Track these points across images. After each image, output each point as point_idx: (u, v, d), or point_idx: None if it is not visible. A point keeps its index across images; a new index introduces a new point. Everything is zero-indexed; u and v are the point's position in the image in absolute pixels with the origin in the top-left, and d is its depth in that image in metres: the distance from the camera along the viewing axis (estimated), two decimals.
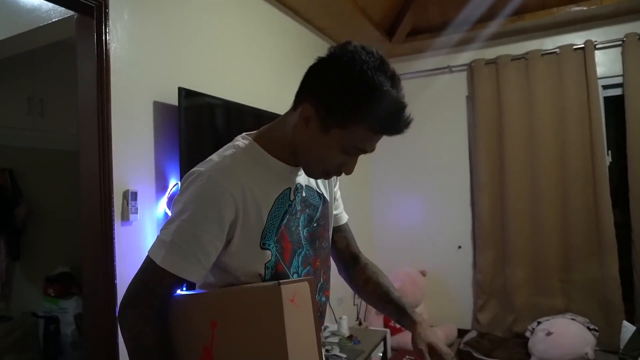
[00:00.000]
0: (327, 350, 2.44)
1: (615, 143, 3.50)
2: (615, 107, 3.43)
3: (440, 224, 3.87)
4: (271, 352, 0.79)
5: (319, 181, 1.04)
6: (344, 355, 2.39)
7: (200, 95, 2.03)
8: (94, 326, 1.70)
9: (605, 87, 3.41)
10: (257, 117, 2.41)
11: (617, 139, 3.50)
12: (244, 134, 0.97)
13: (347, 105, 0.83)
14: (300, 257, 0.95)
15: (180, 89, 1.88)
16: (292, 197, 0.93)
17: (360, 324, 3.51)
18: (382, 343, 2.82)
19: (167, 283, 0.83)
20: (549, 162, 3.43)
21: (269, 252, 0.88)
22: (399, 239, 4.01)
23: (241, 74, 2.44)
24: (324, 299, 1.04)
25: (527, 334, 3.24)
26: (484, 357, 3.16)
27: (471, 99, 3.72)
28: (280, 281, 0.81)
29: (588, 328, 3.08)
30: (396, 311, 1.10)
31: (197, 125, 2.02)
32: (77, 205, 1.70)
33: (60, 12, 1.82)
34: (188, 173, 0.88)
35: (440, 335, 3.40)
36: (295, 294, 0.82)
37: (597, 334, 3.10)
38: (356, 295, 3.64)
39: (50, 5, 1.81)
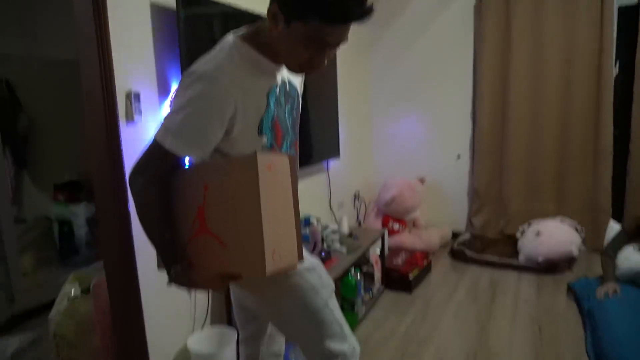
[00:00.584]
0: (327, 245, 2.60)
1: (626, 56, 3.39)
2: (627, 18, 3.28)
3: (441, 133, 3.91)
4: (247, 210, 0.90)
5: (292, 75, 1.14)
6: (344, 249, 2.55)
7: (205, 3, 1.95)
8: (107, 225, 1.72)
9: None
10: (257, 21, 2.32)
11: (627, 52, 3.39)
12: (233, 34, 1.02)
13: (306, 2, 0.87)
14: (287, 141, 1.12)
15: None
16: (278, 92, 1.07)
17: (359, 225, 3.70)
18: (379, 240, 2.99)
19: (171, 160, 0.96)
20: (554, 70, 3.39)
21: (265, 137, 1.04)
22: (399, 149, 4.07)
23: None
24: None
25: (518, 234, 3.42)
26: (474, 255, 3.37)
27: (478, 8, 3.56)
28: (258, 152, 0.91)
29: (576, 229, 3.25)
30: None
31: (196, 29, 1.96)
32: (79, 115, 1.67)
33: None
34: (190, 71, 0.95)
35: (434, 234, 3.61)
36: (273, 163, 0.92)
37: (583, 235, 3.28)
38: (356, 200, 3.78)
39: None
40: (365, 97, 4.02)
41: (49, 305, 2.11)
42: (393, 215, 3.67)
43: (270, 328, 1.36)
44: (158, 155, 0.96)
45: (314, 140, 2.94)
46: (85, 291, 2.03)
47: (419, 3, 3.81)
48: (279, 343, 1.43)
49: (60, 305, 2.05)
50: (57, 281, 2.17)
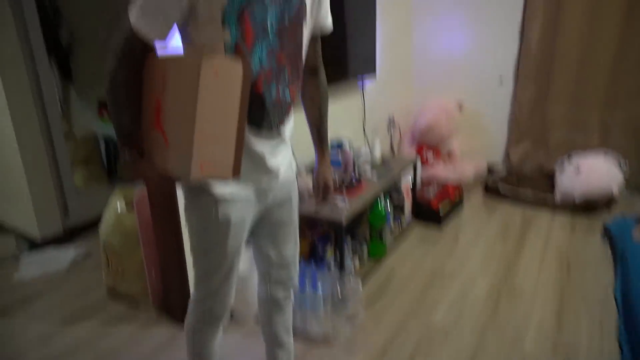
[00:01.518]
0: (358, 171, 2.60)
1: None
2: None
3: (484, 53, 3.64)
4: (186, 111, 0.87)
5: None
6: (375, 175, 2.55)
7: None
8: None
9: None
10: None
11: None
12: None
13: None
14: (263, 46, 0.99)
15: None
16: None
17: (393, 153, 3.66)
18: (412, 170, 2.95)
19: (139, 38, 0.94)
20: None
21: (227, 32, 0.94)
22: (438, 68, 3.85)
23: None
24: (287, 97, 1.09)
25: (556, 167, 3.30)
26: (509, 190, 3.30)
27: None
28: (207, 54, 0.85)
29: (619, 165, 3.08)
30: (318, 139, 1.36)
31: None
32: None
33: None
34: None
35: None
36: (222, 67, 0.86)
37: (627, 170, 3.11)
38: (391, 125, 3.67)
39: None
40: (407, 14, 3.76)
41: (100, 220, 2.26)
42: (427, 143, 3.59)
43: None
44: (129, 35, 0.94)
45: (350, 54, 2.78)
46: (130, 206, 2.16)
47: None
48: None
49: (108, 219, 2.19)
50: (106, 197, 2.28)
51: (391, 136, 3.46)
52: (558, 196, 3.15)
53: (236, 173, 0.93)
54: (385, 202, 2.61)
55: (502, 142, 3.76)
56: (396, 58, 3.65)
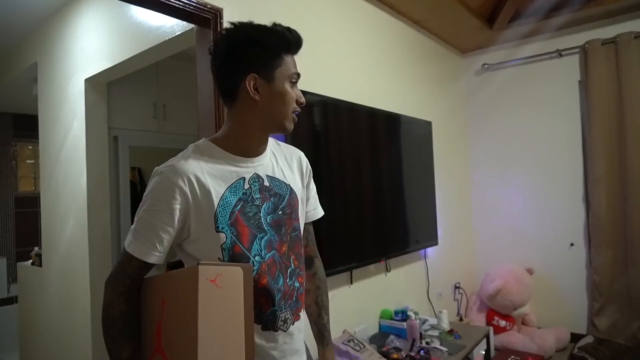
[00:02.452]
0: (427, 343, 2.43)
1: None
2: None
3: (549, 220, 3.62)
4: (187, 327, 0.82)
5: (286, 173, 1.12)
6: (444, 349, 2.37)
7: (307, 94, 2.14)
8: None
9: None
10: (353, 111, 2.48)
11: None
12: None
13: (267, 50, 1.01)
14: (262, 241, 1.01)
15: None
16: (246, 186, 1.02)
17: (460, 319, 3.44)
18: (484, 340, 2.73)
19: (135, 265, 0.96)
20: None
21: (223, 234, 0.96)
22: (502, 236, 3.82)
23: (340, 71, 2.52)
24: (297, 284, 1.08)
25: None
26: None
27: (584, 84, 3.41)
28: (202, 262, 0.85)
29: None
30: (317, 333, 1.23)
31: (303, 123, 2.14)
32: None
33: (182, 26, 2.04)
34: (153, 171, 1.01)
35: (549, 335, 3.19)
36: (219, 276, 0.84)
37: None
38: (457, 291, 3.57)
39: (174, 20, 2.04)
40: (465, 180, 3.93)
41: None
42: (498, 310, 3.36)
43: None
44: (124, 261, 0.97)
45: (411, 227, 2.90)
46: None
47: (518, 82, 3.76)
48: None
49: None
50: None
51: (458, 302, 3.30)
52: None
53: None
54: None
55: (584, 309, 3.44)
56: (458, 226, 3.70)
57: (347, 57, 2.59)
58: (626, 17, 3.27)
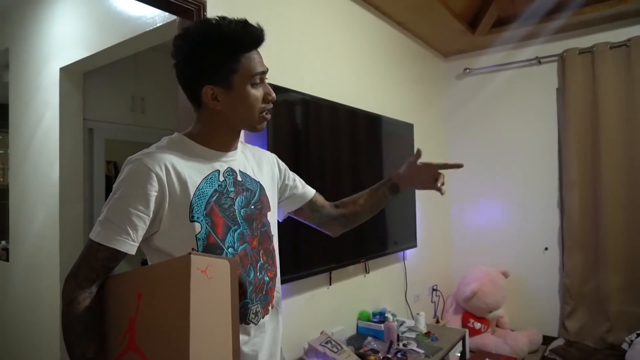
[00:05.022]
0: (404, 345, 2.44)
1: None
2: None
3: (525, 224, 3.68)
4: (176, 321, 0.79)
5: (256, 171, 1.14)
6: (421, 351, 2.37)
7: (288, 92, 2.13)
8: None
9: None
10: (334, 110, 2.46)
11: None
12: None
13: (218, 58, 0.98)
14: (236, 233, 1.02)
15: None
16: (221, 179, 1.03)
17: (437, 321, 3.46)
18: (460, 342, 2.75)
19: (102, 256, 0.91)
20: None
21: (198, 224, 0.95)
22: (479, 239, 3.87)
23: (322, 69, 2.50)
24: (267, 278, 1.09)
25: (624, 345, 2.98)
26: None
27: (562, 91, 3.49)
28: (193, 252, 0.83)
29: None
30: (374, 189, 1.33)
31: (285, 120, 2.12)
32: None
33: (163, 17, 1.98)
34: (124, 162, 0.98)
35: (522, 337, 3.25)
36: (209, 267, 0.82)
37: None
38: (434, 293, 3.60)
39: (156, 11, 1.98)
40: (444, 184, 3.95)
41: None
42: (474, 313, 3.41)
43: None
44: (89, 253, 0.92)
45: (390, 229, 2.90)
46: None
47: (497, 88, 3.81)
48: None
49: None
50: None
51: (435, 304, 3.32)
52: None
53: None
54: None
55: (556, 313, 3.52)
56: (436, 229, 3.73)
57: (330, 55, 2.57)
58: (603, 27, 3.35)
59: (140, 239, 0.94)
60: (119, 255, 0.93)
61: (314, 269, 2.26)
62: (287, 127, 2.15)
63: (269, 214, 1.14)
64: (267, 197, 1.14)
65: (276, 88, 1.99)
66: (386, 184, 1.32)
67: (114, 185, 0.95)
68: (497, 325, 3.52)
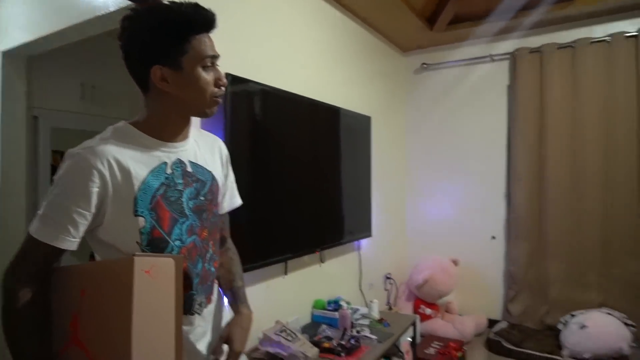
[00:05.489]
0: (357, 332, 2.52)
1: None
2: None
3: (475, 214, 3.86)
4: (119, 319, 0.81)
5: (209, 160, 1.13)
6: (374, 337, 2.47)
7: (248, 82, 2.12)
8: None
9: None
10: (293, 102, 2.48)
11: None
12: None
13: (168, 37, 0.95)
14: (184, 226, 1.01)
15: (227, 75, 1.97)
16: (169, 171, 1.01)
17: (390, 308, 3.59)
18: (411, 328, 2.88)
19: (42, 252, 0.91)
20: (593, 154, 3.34)
21: (142, 218, 0.94)
22: (432, 228, 4.03)
23: (282, 60, 2.50)
24: (213, 269, 1.11)
25: (560, 326, 3.22)
26: (513, 347, 3.17)
27: (512, 88, 3.65)
28: (137, 254, 0.85)
29: (625, 323, 3.03)
30: (233, 297, 1.20)
31: (243, 109, 2.11)
32: None
33: (116, 2, 1.92)
34: (64, 155, 0.95)
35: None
36: (153, 267, 0.84)
37: (634, 329, 3.04)
38: (388, 281, 3.72)
39: None
40: (400, 175, 4.07)
41: None
42: (425, 299, 3.56)
43: None
44: (29, 249, 0.91)
45: (346, 219, 2.96)
46: None
47: (453, 83, 3.94)
48: None
49: None
50: None
51: (388, 292, 3.44)
52: (566, 353, 3.01)
53: None
54: None
55: (501, 298, 3.74)
56: (391, 218, 3.84)
57: (290, 47, 2.58)
58: (551, 29, 3.53)
59: (81, 234, 0.93)
60: (58, 253, 0.92)
61: (270, 259, 2.29)
62: (245, 117, 2.15)
63: (219, 203, 1.15)
64: (218, 187, 1.14)
65: (236, 78, 2.01)
66: (234, 311, 1.20)
67: (54, 180, 0.94)
68: (446, 311, 3.70)
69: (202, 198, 1.07)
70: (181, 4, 0.97)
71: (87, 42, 2.80)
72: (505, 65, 3.72)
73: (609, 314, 3.09)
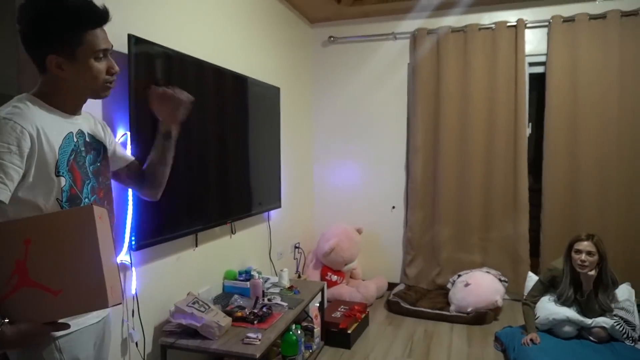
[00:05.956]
0: (269, 300, 2.57)
1: (535, 116, 3.87)
2: (538, 83, 3.76)
3: (377, 185, 4.09)
4: (86, 254, 1.01)
5: (101, 132, 1.30)
6: (285, 304, 2.53)
7: (152, 45, 1.97)
8: None
9: (531, 64, 3.72)
10: (198, 67, 2.38)
11: (537, 113, 3.86)
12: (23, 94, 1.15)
13: (62, 30, 1.07)
14: (89, 186, 1.18)
15: (130, 36, 1.81)
16: (75, 139, 1.16)
17: (299, 277, 3.70)
18: (319, 294, 3.00)
19: None
20: (478, 129, 3.73)
21: (63, 178, 1.09)
22: (338, 199, 4.19)
23: (185, 22, 2.37)
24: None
25: (449, 285, 3.61)
26: (410, 306, 3.48)
27: (412, 66, 3.88)
28: (92, 204, 1.10)
29: (499, 279, 3.50)
30: (155, 142, 1.39)
31: (147, 75, 1.97)
32: None
33: None
34: None
35: (371, 285, 3.69)
36: (103, 214, 1.07)
37: (506, 284, 3.53)
38: (296, 251, 3.81)
39: None
40: (308, 146, 4.14)
41: None
42: (331, 266, 3.72)
43: None
44: None
45: (256, 191, 2.96)
46: None
47: (358, 58, 4.07)
48: None
49: None
50: None
51: (297, 261, 3.53)
52: (453, 309, 3.39)
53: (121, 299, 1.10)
54: (296, 329, 2.56)
55: (400, 262, 4.05)
56: (299, 190, 3.90)
57: (195, 9, 2.44)
58: (448, 12, 3.79)
59: (13, 189, 1.02)
60: None
61: (180, 232, 2.22)
62: (151, 82, 2.00)
63: (109, 169, 1.32)
64: (107, 155, 1.31)
65: (139, 40, 1.86)
66: (159, 133, 1.39)
67: None
68: (350, 277, 3.91)
69: (98, 164, 1.23)
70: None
71: None
72: (406, 44, 3.93)
73: (487, 272, 3.54)
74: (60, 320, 1.03)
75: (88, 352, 1.17)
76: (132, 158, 1.45)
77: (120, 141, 1.90)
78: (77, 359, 1.13)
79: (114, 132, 1.88)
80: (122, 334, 1.96)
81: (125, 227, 1.90)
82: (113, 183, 1.35)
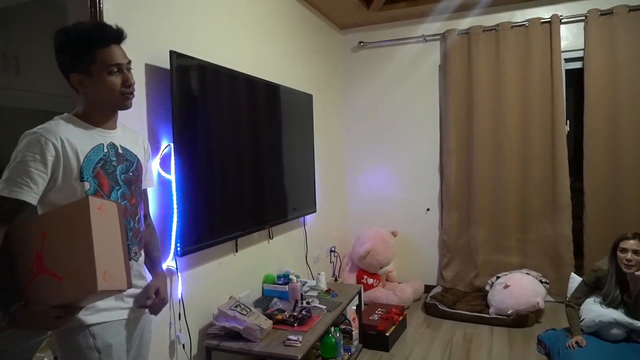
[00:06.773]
0: (307, 302, 2.62)
1: (574, 114, 3.76)
2: (575, 79, 3.67)
3: (411, 188, 4.08)
4: (81, 240, 1.08)
5: (136, 146, 1.41)
6: (324, 307, 2.57)
7: (192, 59, 2.07)
8: None
9: (567, 60, 3.63)
10: (233, 78, 2.46)
11: (575, 109, 3.76)
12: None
13: (75, 50, 1.20)
14: (118, 192, 1.30)
15: (171, 52, 1.91)
16: (105, 150, 1.28)
17: (335, 280, 3.73)
18: (357, 297, 3.03)
19: (7, 209, 1.13)
20: (513, 129, 3.66)
21: (87, 183, 1.21)
22: (372, 203, 4.21)
23: (220, 35, 2.46)
24: (142, 228, 1.41)
25: (487, 287, 3.55)
26: (447, 309, 3.45)
27: (443, 67, 3.86)
28: (87, 195, 1.16)
29: (540, 281, 3.41)
30: (151, 263, 1.49)
31: (188, 88, 2.06)
32: None
33: None
34: (22, 135, 1.18)
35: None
36: (103, 205, 1.13)
37: (547, 286, 3.44)
38: (332, 254, 3.85)
39: None
40: (340, 153, 4.18)
41: None
42: (367, 270, 3.73)
43: None
44: None
45: (292, 196, 3.02)
46: None
47: (388, 62, 4.09)
48: None
49: None
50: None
51: (333, 265, 3.57)
52: (492, 311, 3.34)
53: (129, 285, 1.15)
54: (335, 332, 2.59)
55: (436, 265, 4.02)
56: (333, 194, 3.95)
57: (229, 23, 2.54)
58: (478, 12, 3.76)
59: (40, 192, 1.15)
60: (22, 206, 1.14)
61: (221, 238, 2.30)
62: (191, 96, 2.10)
63: (141, 179, 1.43)
64: (141, 168, 1.42)
65: (180, 55, 1.95)
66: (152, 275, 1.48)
67: (13, 154, 1.15)
68: (387, 280, 3.91)
69: (130, 174, 1.35)
70: (86, 23, 1.28)
71: (7, 9, 2.57)
72: (436, 46, 3.92)
73: (527, 273, 3.46)
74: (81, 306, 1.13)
75: (120, 341, 1.26)
76: (150, 186, 1.55)
77: (164, 152, 1.99)
78: (109, 345, 1.22)
79: (158, 144, 1.98)
80: (170, 337, 2.05)
81: (171, 235, 2.00)
82: (161, 195, 1.45)
